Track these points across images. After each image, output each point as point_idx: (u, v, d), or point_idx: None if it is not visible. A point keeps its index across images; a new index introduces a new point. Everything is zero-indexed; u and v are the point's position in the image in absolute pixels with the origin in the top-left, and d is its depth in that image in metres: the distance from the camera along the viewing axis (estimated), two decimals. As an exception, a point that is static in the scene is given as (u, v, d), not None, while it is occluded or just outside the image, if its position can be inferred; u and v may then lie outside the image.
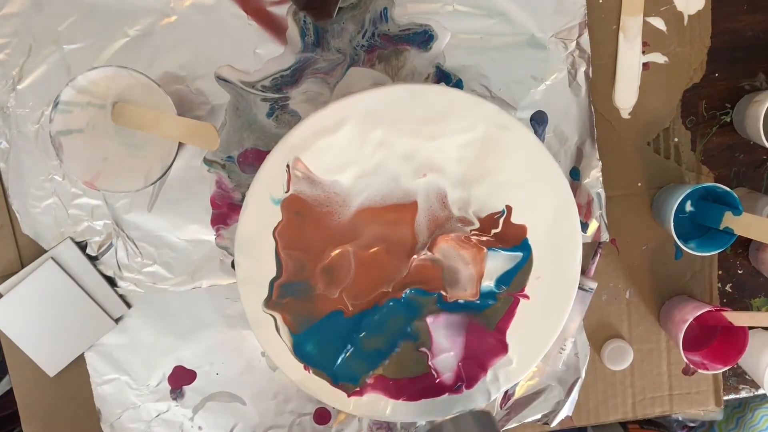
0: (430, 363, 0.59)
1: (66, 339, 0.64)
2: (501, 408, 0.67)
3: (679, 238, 0.62)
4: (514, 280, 0.58)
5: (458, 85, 0.64)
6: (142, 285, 0.65)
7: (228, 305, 0.66)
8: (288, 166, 0.56)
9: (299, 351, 0.58)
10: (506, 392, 0.67)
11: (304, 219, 0.57)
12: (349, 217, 0.57)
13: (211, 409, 0.67)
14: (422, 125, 0.56)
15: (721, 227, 0.60)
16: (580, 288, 0.64)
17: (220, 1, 0.63)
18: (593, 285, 0.65)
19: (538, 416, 0.68)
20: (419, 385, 0.59)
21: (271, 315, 0.57)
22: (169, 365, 0.66)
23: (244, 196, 0.59)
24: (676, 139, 0.67)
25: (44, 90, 0.62)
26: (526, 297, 0.58)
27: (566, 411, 0.67)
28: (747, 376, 0.69)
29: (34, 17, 0.62)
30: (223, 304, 0.66)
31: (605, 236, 0.66)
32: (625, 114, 0.66)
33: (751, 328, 0.63)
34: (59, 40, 0.62)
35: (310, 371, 0.58)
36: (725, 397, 0.69)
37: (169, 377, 0.66)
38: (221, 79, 0.63)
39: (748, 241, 0.68)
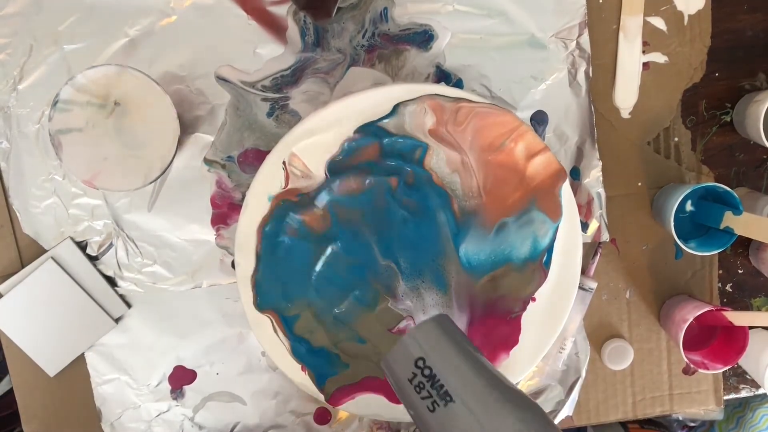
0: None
1: (66, 339, 0.64)
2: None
3: (679, 238, 0.62)
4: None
5: (458, 84, 0.64)
6: (142, 285, 0.65)
7: (228, 305, 0.66)
8: (284, 163, 0.56)
9: (297, 352, 0.58)
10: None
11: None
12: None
13: (211, 408, 0.66)
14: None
15: (722, 227, 0.60)
16: (580, 288, 0.64)
17: (220, 1, 0.63)
18: (593, 285, 0.65)
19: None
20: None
21: (267, 316, 0.57)
22: (169, 365, 0.66)
23: (244, 196, 0.59)
24: (676, 139, 0.67)
25: (45, 90, 0.62)
26: (533, 299, 0.58)
27: (566, 411, 0.67)
28: (747, 376, 0.69)
29: (34, 17, 0.62)
30: (223, 304, 0.66)
31: (605, 236, 0.66)
32: (625, 114, 0.66)
33: (751, 327, 0.63)
34: (59, 40, 0.62)
35: (307, 372, 0.58)
36: (725, 397, 0.69)
37: (169, 377, 0.66)
38: (221, 79, 0.63)
39: (749, 240, 0.68)
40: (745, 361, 0.66)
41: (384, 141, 0.56)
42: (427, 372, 0.40)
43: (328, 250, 0.57)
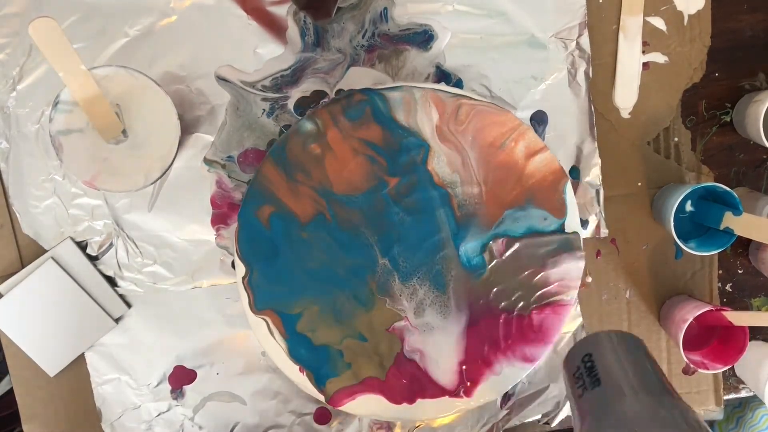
0: (405, 348, 0.58)
1: (66, 339, 0.64)
2: (501, 408, 0.67)
3: (679, 238, 0.62)
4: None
5: (458, 84, 0.64)
6: (142, 285, 0.65)
7: (228, 305, 0.66)
8: None
9: (296, 353, 0.58)
10: (506, 392, 0.67)
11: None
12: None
13: (211, 408, 0.66)
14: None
15: (721, 227, 0.60)
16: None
17: (220, 1, 0.63)
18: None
19: (539, 416, 0.68)
20: (416, 385, 0.59)
21: (263, 318, 0.57)
22: (169, 365, 0.66)
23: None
24: (676, 139, 0.67)
25: (44, 90, 0.62)
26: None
27: (568, 411, 0.67)
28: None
29: (34, 17, 0.62)
30: (223, 304, 0.66)
31: (604, 232, 0.66)
32: (625, 114, 0.66)
33: (751, 328, 0.63)
34: (59, 40, 0.62)
35: (305, 373, 0.58)
36: (725, 397, 0.69)
37: (169, 377, 0.66)
38: (221, 79, 0.63)
39: (748, 240, 0.68)
40: (743, 374, 0.66)
41: (393, 131, 0.56)
42: (589, 365, 0.43)
43: (326, 247, 0.57)
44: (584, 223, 0.65)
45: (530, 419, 0.68)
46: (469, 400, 0.59)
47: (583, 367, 0.43)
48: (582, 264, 0.58)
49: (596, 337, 0.46)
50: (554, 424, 0.68)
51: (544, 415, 0.67)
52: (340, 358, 0.58)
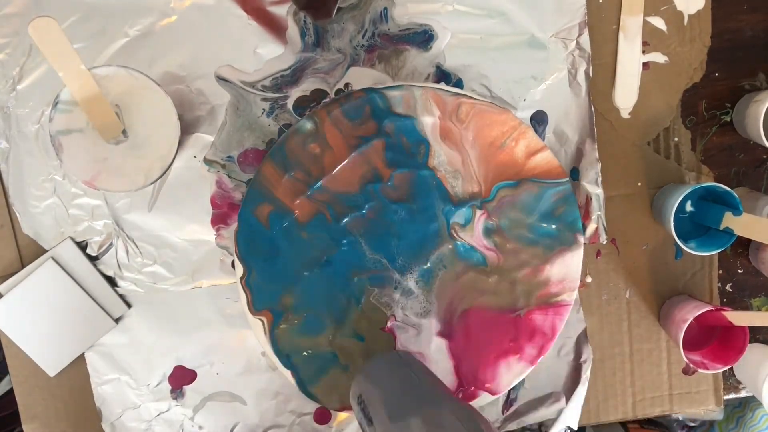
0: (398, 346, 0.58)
1: (66, 339, 0.64)
2: (503, 414, 0.67)
3: (679, 238, 0.62)
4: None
5: (458, 84, 0.64)
6: (142, 285, 0.65)
7: (228, 305, 0.66)
8: None
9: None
10: (508, 397, 0.66)
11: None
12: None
13: (211, 408, 0.66)
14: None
15: (721, 227, 0.60)
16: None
17: (220, 1, 0.63)
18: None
19: (539, 422, 0.67)
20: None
21: (260, 319, 0.57)
22: (169, 365, 0.66)
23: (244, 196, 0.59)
24: (676, 139, 0.67)
25: (44, 90, 0.62)
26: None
27: (569, 421, 0.66)
28: (747, 376, 0.69)
29: (34, 17, 0.62)
30: (223, 303, 0.66)
31: (603, 238, 0.66)
32: (625, 114, 0.66)
33: (751, 329, 0.63)
34: (59, 40, 0.62)
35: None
36: (725, 397, 0.69)
37: (169, 377, 0.66)
38: (221, 79, 0.63)
39: (749, 240, 0.68)
40: (742, 375, 0.66)
41: (388, 124, 0.56)
42: (362, 405, 0.44)
43: (326, 247, 0.57)
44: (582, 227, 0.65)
45: (530, 424, 0.67)
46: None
47: (360, 410, 0.43)
48: (581, 254, 0.57)
49: (362, 374, 0.45)
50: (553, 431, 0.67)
51: (543, 423, 0.67)
52: (335, 357, 0.58)
